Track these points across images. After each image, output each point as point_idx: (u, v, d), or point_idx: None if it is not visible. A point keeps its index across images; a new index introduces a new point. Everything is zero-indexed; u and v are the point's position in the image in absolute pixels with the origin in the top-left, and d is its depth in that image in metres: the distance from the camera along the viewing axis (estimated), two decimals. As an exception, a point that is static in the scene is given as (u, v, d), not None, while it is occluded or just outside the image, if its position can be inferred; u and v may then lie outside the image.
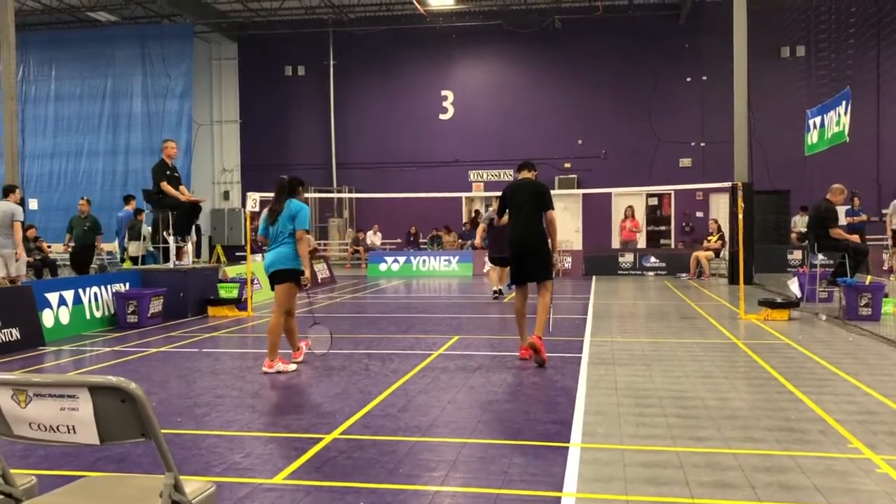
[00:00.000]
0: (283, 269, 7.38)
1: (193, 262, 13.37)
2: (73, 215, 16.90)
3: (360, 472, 4.34)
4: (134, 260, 14.91)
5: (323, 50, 28.17)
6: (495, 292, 14.60)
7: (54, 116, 28.00)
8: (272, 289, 7.64)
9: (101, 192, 27.03)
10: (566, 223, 26.57)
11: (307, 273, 7.43)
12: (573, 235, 26.02)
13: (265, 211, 7.61)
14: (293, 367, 7.54)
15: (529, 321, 7.85)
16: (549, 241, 7.82)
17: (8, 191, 12.03)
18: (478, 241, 16.68)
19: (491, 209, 15.88)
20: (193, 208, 12.68)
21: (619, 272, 21.02)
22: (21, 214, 11.63)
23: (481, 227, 16.55)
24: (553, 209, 7.77)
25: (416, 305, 14.31)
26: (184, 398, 6.34)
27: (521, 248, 7.72)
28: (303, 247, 7.33)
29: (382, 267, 22.66)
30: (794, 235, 22.65)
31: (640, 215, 25.28)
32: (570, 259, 21.63)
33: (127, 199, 17.73)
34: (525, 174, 8.01)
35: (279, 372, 7.34)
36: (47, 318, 9.73)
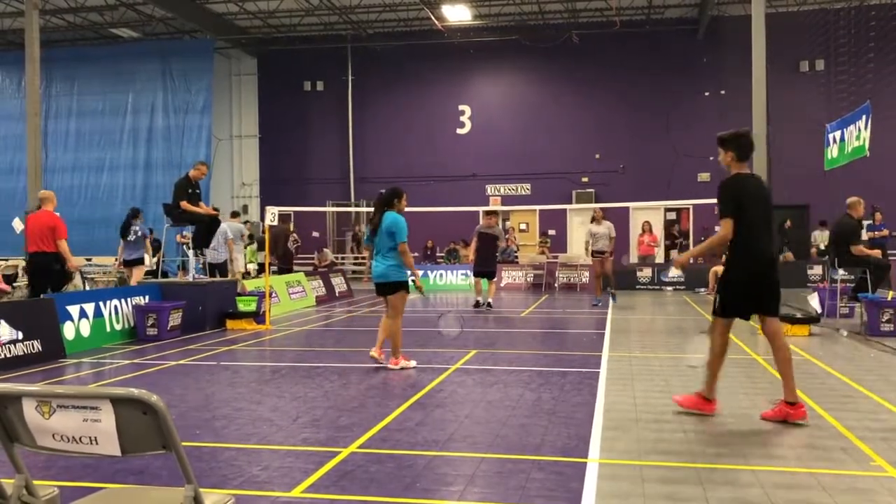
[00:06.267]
0: (393, 281, 8.09)
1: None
2: None
3: (378, 485, 4.33)
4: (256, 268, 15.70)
5: (341, 65, 28.37)
6: (480, 304, 15.47)
7: (76, 131, 28.33)
8: (378, 294, 8.40)
9: (121, 205, 27.25)
10: (584, 238, 26.48)
11: (418, 280, 8.37)
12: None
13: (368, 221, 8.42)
14: (413, 363, 8.29)
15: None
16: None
17: (236, 214, 15.33)
18: (471, 256, 16.86)
19: (483, 223, 16.00)
20: (212, 222, 12.79)
21: (638, 287, 20.92)
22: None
23: (474, 242, 16.37)
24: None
25: (433, 319, 14.29)
26: (202, 411, 6.36)
27: None
28: (407, 258, 8.08)
29: (399, 281, 22.63)
30: (813, 250, 22.47)
31: (658, 230, 25.16)
32: (587, 273, 21.55)
33: (233, 214, 18.13)
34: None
35: (403, 368, 8.07)
36: (68, 331, 9.82)
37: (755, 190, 5.96)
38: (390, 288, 8.12)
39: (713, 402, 5.96)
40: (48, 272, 10.80)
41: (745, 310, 5.92)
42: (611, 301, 16.02)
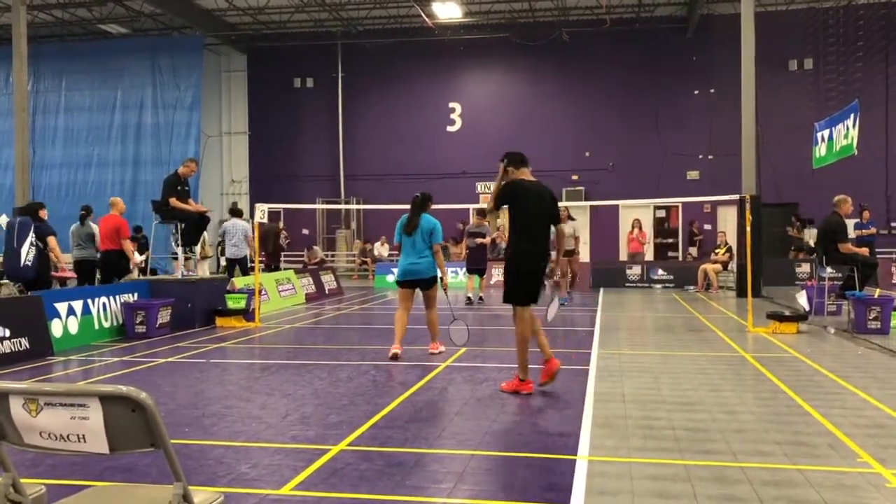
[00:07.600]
0: (431, 276, 8.93)
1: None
2: None
3: (368, 483, 4.33)
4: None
5: (332, 62, 28.30)
6: (472, 300, 15.78)
7: (64, 127, 28.11)
8: (404, 288, 9.03)
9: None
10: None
11: (446, 278, 9.13)
12: (580, 247, 25.96)
13: (400, 222, 9.06)
14: (443, 348, 9.15)
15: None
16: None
17: (239, 213, 16.11)
18: (463, 254, 17.19)
19: (473, 222, 16.40)
20: (201, 219, 12.73)
21: (627, 284, 20.97)
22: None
23: (465, 242, 16.74)
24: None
25: (423, 317, 14.27)
26: (191, 409, 6.35)
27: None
28: (439, 257, 8.94)
29: (390, 278, 22.59)
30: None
31: (648, 227, 25.23)
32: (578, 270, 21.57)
33: (238, 213, 16.76)
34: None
35: (441, 352, 8.98)
36: (56, 328, 9.77)
37: (535, 193, 6.81)
38: (429, 283, 8.96)
39: (528, 382, 6.72)
40: (114, 267, 12.45)
41: (530, 297, 6.69)
42: (558, 303, 15.55)
